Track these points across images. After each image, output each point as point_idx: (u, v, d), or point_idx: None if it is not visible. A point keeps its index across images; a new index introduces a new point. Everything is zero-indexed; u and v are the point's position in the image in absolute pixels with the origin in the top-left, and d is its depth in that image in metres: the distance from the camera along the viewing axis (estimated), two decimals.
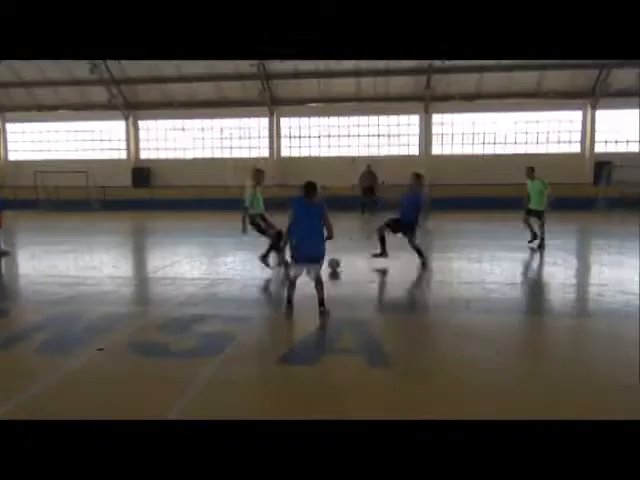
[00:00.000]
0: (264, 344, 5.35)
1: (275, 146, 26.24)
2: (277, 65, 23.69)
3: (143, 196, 25.97)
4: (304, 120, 26.15)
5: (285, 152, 26.52)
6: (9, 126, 28.36)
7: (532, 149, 24.76)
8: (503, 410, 3.64)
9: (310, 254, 5.98)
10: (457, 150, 25.39)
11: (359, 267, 9.41)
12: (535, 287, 8.27)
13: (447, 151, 25.50)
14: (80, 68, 23.80)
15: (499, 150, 24.99)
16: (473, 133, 25.25)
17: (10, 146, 28.64)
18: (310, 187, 6.02)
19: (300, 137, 26.42)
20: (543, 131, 24.82)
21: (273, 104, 25.53)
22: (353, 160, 24.67)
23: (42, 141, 28.36)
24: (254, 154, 26.56)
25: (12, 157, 28.54)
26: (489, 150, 25.10)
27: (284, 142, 26.52)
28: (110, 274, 8.91)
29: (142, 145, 27.58)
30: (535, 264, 10.02)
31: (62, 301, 6.96)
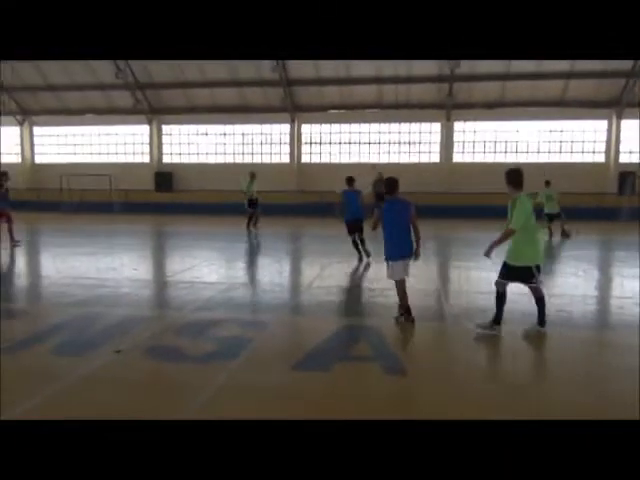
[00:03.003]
0: (279, 349, 5.34)
1: (295, 152, 26.33)
2: (299, 71, 23.80)
3: (165, 200, 26.24)
4: (325, 127, 26.20)
5: (305, 158, 26.59)
6: (36, 129, 28.94)
7: (555, 158, 24.46)
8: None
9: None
10: (479, 158, 25.19)
11: None
12: (554, 298, 8.12)
13: (468, 159, 25.29)
14: (106, 72, 24.20)
15: (521, 159, 24.72)
16: (495, 141, 25.03)
17: (37, 149, 29.21)
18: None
19: (320, 143, 26.47)
20: (567, 140, 24.51)
21: (294, 110, 25.64)
22: (373, 167, 24.60)
23: (68, 144, 28.89)
24: (275, 160, 26.72)
25: (38, 160, 29.10)
26: (511, 159, 24.83)
27: (304, 148, 26.60)
28: (129, 276, 9.00)
29: (165, 149, 27.91)
30: (556, 274, 9.87)
31: (81, 303, 7.06)
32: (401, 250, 5.90)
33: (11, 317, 6.45)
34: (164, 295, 8.11)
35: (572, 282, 9.09)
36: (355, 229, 10.22)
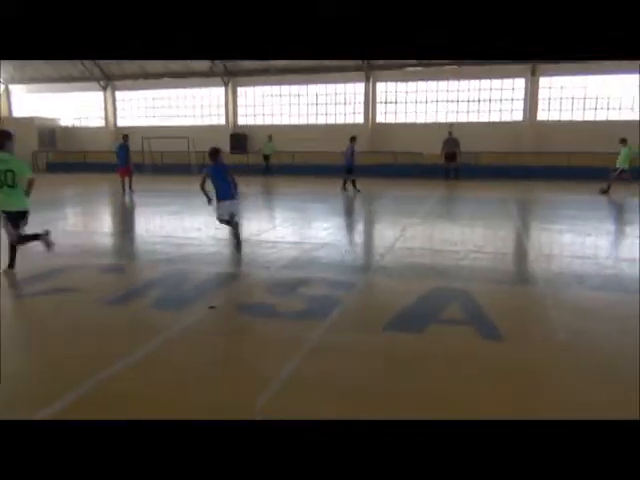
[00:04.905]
0: (369, 309, 5.33)
1: (370, 112, 25.86)
2: None
3: (240, 161, 26.64)
4: (400, 85, 25.48)
5: (380, 118, 26.07)
6: (118, 94, 29.97)
7: None
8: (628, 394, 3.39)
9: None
10: (566, 116, 23.73)
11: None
12: None
13: (554, 117, 23.91)
14: None
15: (613, 116, 23.09)
16: (584, 97, 23.46)
17: (119, 113, 30.32)
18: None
19: (396, 102, 25.81)
20: None
21: (369, 69, 25.06)
22: (450, 126, 23.83)
23: (147, 107, 29.78)
24: (349, 120, 26.39)
25: (120, 123, 30.22)
26: (601, 116, 23.26)
27: (379, 108, 26.04)
28: (214, 235, 9.23)
29: (240, 111, 28.20)
30: None
31: (172, 260, 7.32)
32: (225, 195, 7.96)
33: (110, 272, 6.79)
34: (249, 254, 8.25)
35: None
36: (349, 172, 17.17)
